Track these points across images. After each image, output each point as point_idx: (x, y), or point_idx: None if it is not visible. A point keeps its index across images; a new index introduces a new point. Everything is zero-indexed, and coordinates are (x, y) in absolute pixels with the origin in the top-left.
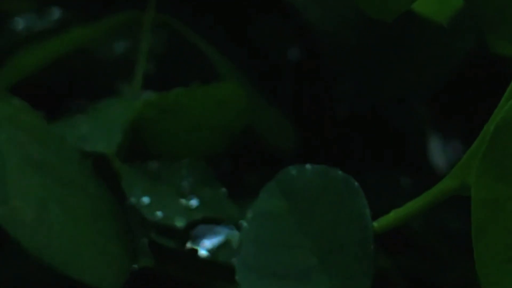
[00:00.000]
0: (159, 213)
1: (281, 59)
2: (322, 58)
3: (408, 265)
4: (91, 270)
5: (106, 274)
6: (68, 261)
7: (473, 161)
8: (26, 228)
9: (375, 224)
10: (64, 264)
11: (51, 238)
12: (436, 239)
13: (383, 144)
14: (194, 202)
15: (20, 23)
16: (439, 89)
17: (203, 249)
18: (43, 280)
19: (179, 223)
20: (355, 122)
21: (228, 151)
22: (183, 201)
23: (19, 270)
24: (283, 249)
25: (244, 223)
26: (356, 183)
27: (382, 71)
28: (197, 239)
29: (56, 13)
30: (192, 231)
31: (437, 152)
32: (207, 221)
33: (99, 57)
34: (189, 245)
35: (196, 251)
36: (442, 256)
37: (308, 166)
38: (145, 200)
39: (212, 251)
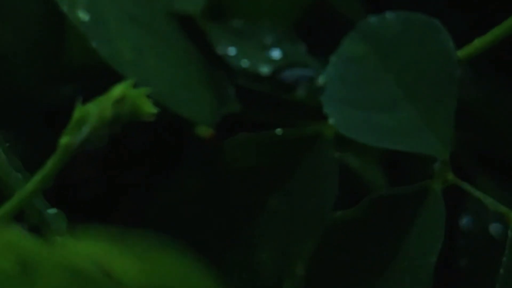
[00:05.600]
0: (245, 61)
1: None
2: None
3: (476, 141)
4: (187, 106)
5: (200, 111)
6: (166, 96)
7: None
8: (128, 66)
9: (458, 53)
10: (163, 97)
11: (149, 76)
12: (504, 116)
13: None
14: (277, 54)
15: None
16: None
17: (289, 91)
18: None
19: (264, 69)
20: None
21: (300, 21)
22: (266, 52)
23: None
24: (368, 84)
25: (328, 67)
26: (437, 21)
27: None
28: (282, 83)
29: None
30: (277, 77)
31: None
32: (291, 66)
33: None
34: (275, 88)
35: (281, 94)
36: (510, 134)
37: (387, 13)
38: (231, 50)
39: (298, 93)
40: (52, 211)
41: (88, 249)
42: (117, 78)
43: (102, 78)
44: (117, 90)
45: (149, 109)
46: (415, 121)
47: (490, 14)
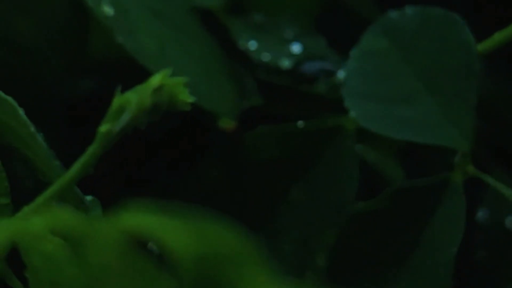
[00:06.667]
0: (266, 55)
1: None
2: None
3: (491, 135)
4: (209, 98)
5: (222, 104)
6: (189, 88)
7: None
8: (151, 59)
9: (478, 47)
10: None
11: (173, 69)
12: None
13: None
14: (297, 48)
15: None
16: None
17: (310, 84)
18: None
19: (285, 63)
20: None
21: (316, 16)
22: (287, 46)
23: None
24: (388, 78)
25: (348, 61)
26: (456, 16)
27: None
28: (303, 76)
29: None
30: (298, 70)
31: None
32: (312, 59)
33: None
34: (295, 82)
35: (302, 88)
36: None
37: (407, 8)
38: (252, 44)
39: (318, 86)
40: (88, 197)
41: (140, 222)
42: (135, 72)
43: (121, 72)
44: (156, 79)
45: (186, 98)
46: (435, 114)
47: (509, 8)
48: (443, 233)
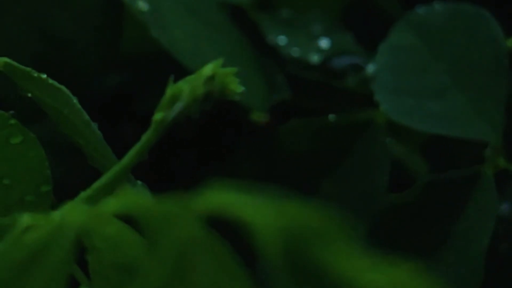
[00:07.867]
0: (295, 50)
1: None
2: None
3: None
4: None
5: (254, 97)
6: None
7: None
8: (185, 53)
9: (508, 43)
10: None
11: (205, 64)
12: None
13: None
14: (326, 43)
15: None
16: None
17: (339, 79)
18: None
19: (314, 58)
20: None
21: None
22: (316, 41)
23: None
24: (417, 72)
25: (378, 56)
26: (486, 11)
27: None
28: (332, 71)
29: None
30: (327, 65)
31: None
32: (340, 54)
33: None
34: (325, 76)
35: (331, 82)
36: None
37: (435, 4)
38: (282, 40)
39: (347, 80)
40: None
41: (225, 201)
42: (163, 68)
43: (146, 67)
44: (208, 69)
45: (236, 87)
46: (465, 108)
47: None
48: (475, 225)
